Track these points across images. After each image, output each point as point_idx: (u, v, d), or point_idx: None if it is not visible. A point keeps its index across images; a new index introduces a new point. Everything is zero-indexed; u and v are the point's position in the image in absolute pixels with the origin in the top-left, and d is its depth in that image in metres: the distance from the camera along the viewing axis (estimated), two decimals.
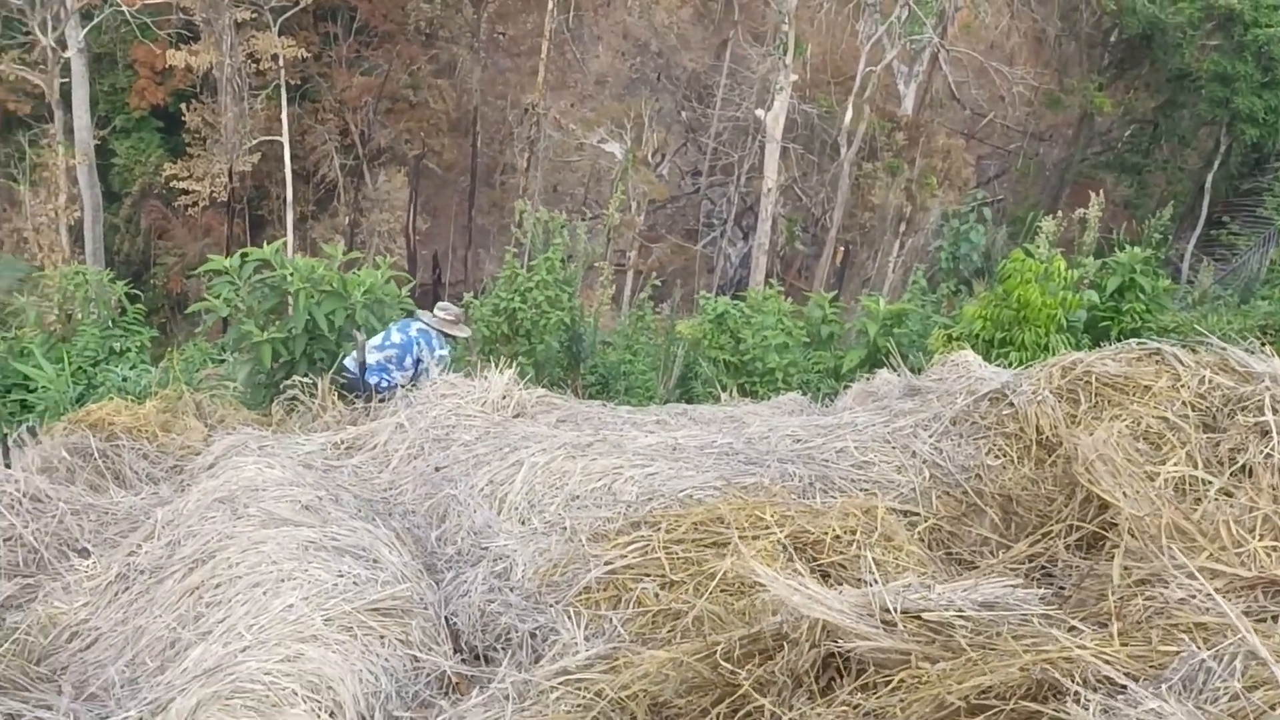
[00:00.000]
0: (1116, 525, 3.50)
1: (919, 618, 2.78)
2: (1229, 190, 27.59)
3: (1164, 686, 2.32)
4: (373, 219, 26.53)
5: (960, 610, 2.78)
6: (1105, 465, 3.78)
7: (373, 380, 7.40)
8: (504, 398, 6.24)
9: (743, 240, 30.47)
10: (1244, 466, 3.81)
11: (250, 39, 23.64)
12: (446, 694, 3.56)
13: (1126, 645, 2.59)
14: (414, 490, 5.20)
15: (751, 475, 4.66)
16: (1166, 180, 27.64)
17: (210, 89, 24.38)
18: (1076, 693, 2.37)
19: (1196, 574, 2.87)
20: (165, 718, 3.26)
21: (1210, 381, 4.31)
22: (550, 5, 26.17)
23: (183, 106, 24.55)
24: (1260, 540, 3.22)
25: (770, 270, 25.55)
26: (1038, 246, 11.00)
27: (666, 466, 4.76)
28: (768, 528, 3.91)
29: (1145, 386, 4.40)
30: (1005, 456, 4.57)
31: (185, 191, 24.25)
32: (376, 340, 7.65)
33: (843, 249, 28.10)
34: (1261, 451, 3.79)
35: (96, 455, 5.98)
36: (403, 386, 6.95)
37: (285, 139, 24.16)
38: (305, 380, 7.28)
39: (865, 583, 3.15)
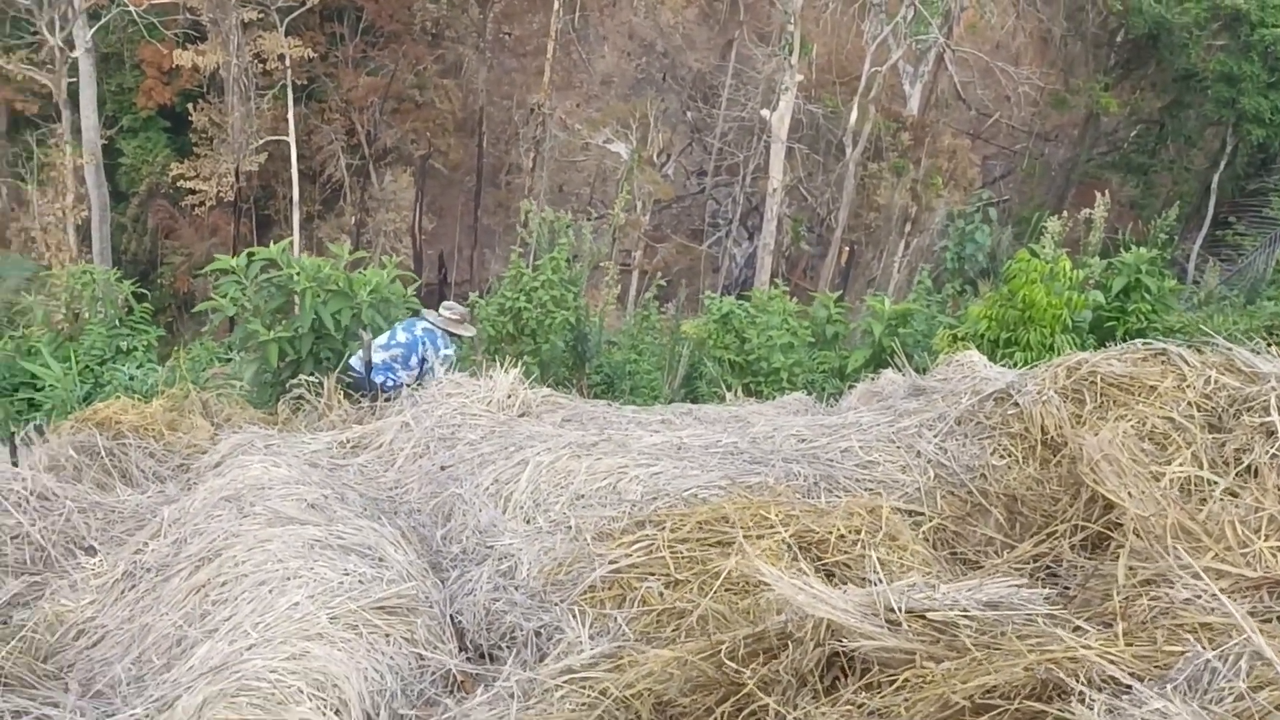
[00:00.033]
0: (1121, 525, 3.50)
1: (924, 617, 2.78)
2: (1235, 190, 27.50)
3: (1169, 686, 2.32)
4: (379, 219, 26.56)
5: (965, 610, 2.78)
6: (1110, 465, 3.78)
7: (378, 379, 7.41)
8: (509, 397, 6.25)
9: (748, 240, 30.45)
10: (1249, 467, 3.80)
11: (257, 39, 23.68)
12: (451, 692, 3.57)
13: (1131, 645, 2.58)
14: (419, 489, 5.21)
15: (756, 475, 4.66)
16: (1172, 180, 27.59)
17: (217, 89, 24.43)
18: (1081, 692, 2.37)
19: (1202, 574, 2.87)
20: (171, 715, 3.27)
21: (1216, 382, 4.31)
22: (556, 5, 26.18)
23: (189, 106, 24.61)
24: (1265, 541, 3.22)
25: (775, 270, 25.53)
26: (1043, 247, 10.99)
27: (671, 466, 4.77)
28: (772, 527, 3.91)
29: (1150, 387, 4.39)
30: (1010, 456, 4.57)
31: (192, 191, 24.31)
32: (382, 339, 7.66)
33: (848, 249, 28.08)
34: (1267, 452, 3.79)
35: (103, 454, 6.00)
36: (408, 386, 6.96)
37: (292, 139, 24.19)
38: (311, 379, 7.29)
39: (870, 582, 3.15)
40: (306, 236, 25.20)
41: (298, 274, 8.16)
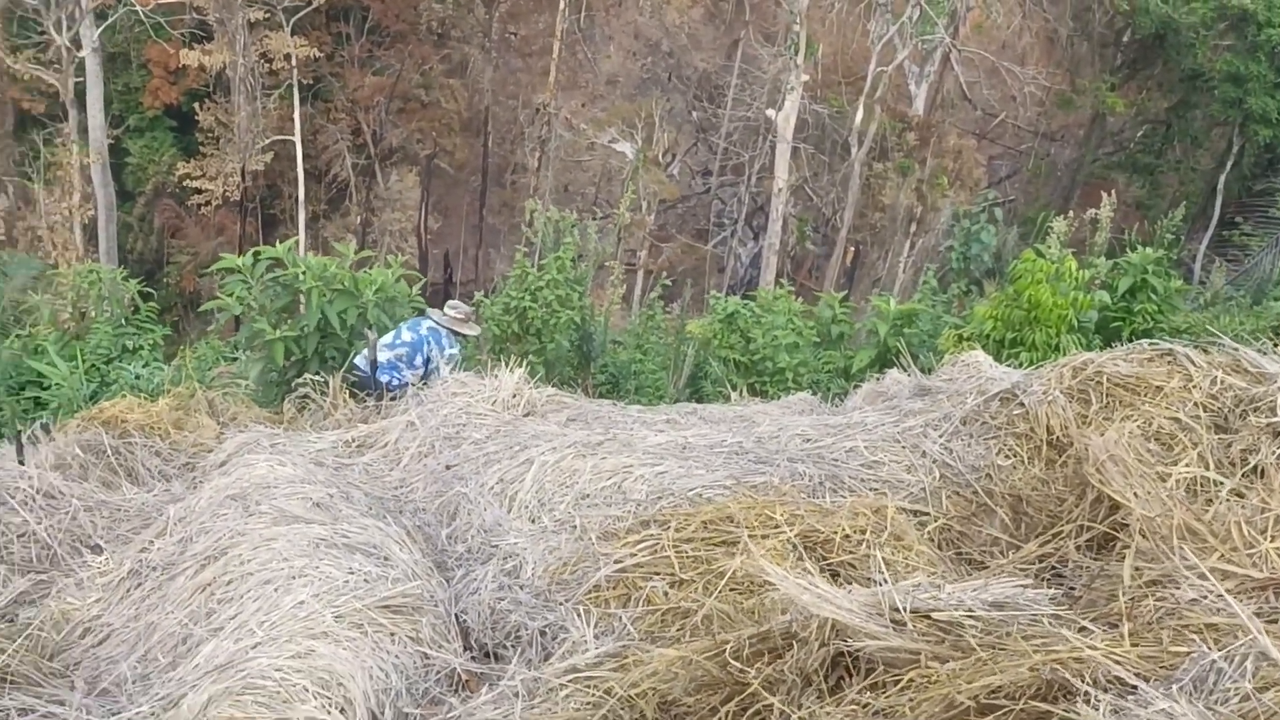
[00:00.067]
0: (1127, 526, 3.50)
1: (928, 617, 2.78)
2: (1241, 191, 27.44)
3: (1175, 687, 2.32)
4: (384, 218, 26.58)
5: (970, 610, 2.78)
6: (1116, 466, 3.78)
7: (384, 379, 7.42)
8: (514, 396, 6.26)
9: (753, 240, 30.44)
10: (1256, 467, 3.80)
11: (263, 39, 23.71)
12: (456, 691, 3.57)
13: (1137, 646, 2.58)
14: (424, 488, 5.22)
15: (761, 474, 4.66)
16: (1179, 181, 27.53)
17: (223, 88, 24.47)
18: (1087, 693, 2.37)
19: (1208, 575, 2.87)
20: (177, 713, 3.27)
21: (1222, 382, 4.30)
22: (562, 5, 26.19)
23: (196, 106, 24.64)
24: (1272, 541, 3.21)
25: (781, 270, 25.52)
26: (1049, 247, 10.97)
27: (676, 465, 4.77)
28: (777, 527, 3.91)
29: (1157, 387, 4.39)
30: (1015, 456, 4.56)
31: (198, 190, 24.34)
32: (387, 339, 7.67)
33: (853, 249, 28.06)
34: (1273, 452, 3.78)
35: (109, 452, 6.02)
36: (413, 385, 6.97)
37: (298, 138, 24.22)
38: (317, 378, 7.31)
39: (875, 582, 3.15)
40: (312, 236, 25.22)
41: (303, 273, 8.17)
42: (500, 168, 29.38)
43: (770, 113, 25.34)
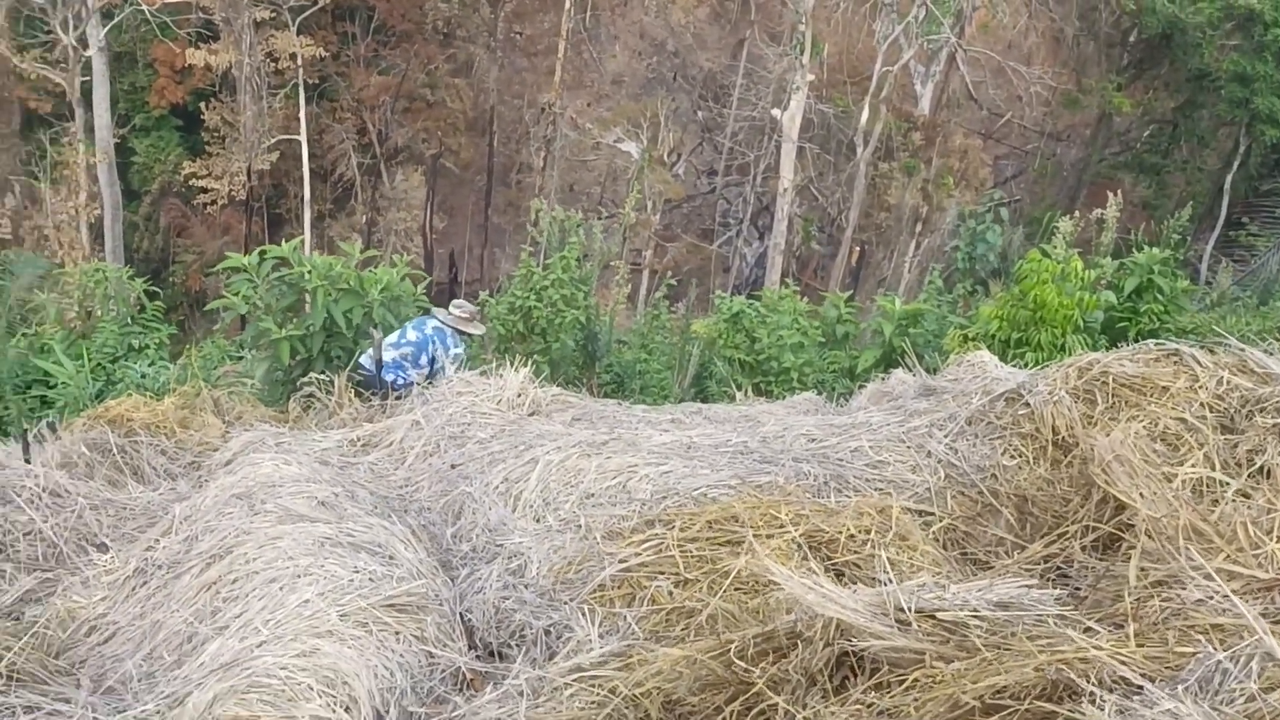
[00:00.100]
0: (1133, 526, 3.49)
1: (933, 617, 2.78)
2: (1248, 191, 27.41)
3: (1180, 688, 2.31)
4: (390, 218, 26.60)
5: (975, 610, 2.77)
6: (1122, 466, 3.77)
7: (389, 378, 7.42)
8: (519, 396, 6.26)
9: (758, 240, 30.43)
10: (1262, 468, 3.79)
11: (269, 38, 23.74)
12: (461, 690, 3.58)
13: (1143, 646, 2.58)
14: (430, 487, 5.22)
15: (766, 474, 4.66)
16: (1185, 181, 27.48)
17: (229, 88, 24.50)
18: (1092, 693, 2.36)
19: (1214, 575, 2.86)
20: (182, 711, 3.28)
21: (1228, 382, 4.29)
22: (567, 5, 26.20)
23: (202, 105, 24.68)
24: (1278, 542, 3.20)
25: (786, 270, 25.51)
26: (1055, 247, 10.96)
27: (681, 465, 4.77)
28: (782, 526, 3.91)
29: (1163, 387, 4.38)
30: (1021, 457, 4.56)
31: (204, 190, 24.38)
32: (392, 338, 7.68)
33: (858, 249, 28.04)
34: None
35: (115, 451, 6.03)
36: (418, 384, 6.98)
37: (303, 138, 24.25)
38: (322, 377, 7.32)
39: (880, 582, 3.15)
40: (318, 235, 25.25)
41: (309, 272, 8.18)
42: (505, 167, 29.40)
43: (775, 112, 25.33)
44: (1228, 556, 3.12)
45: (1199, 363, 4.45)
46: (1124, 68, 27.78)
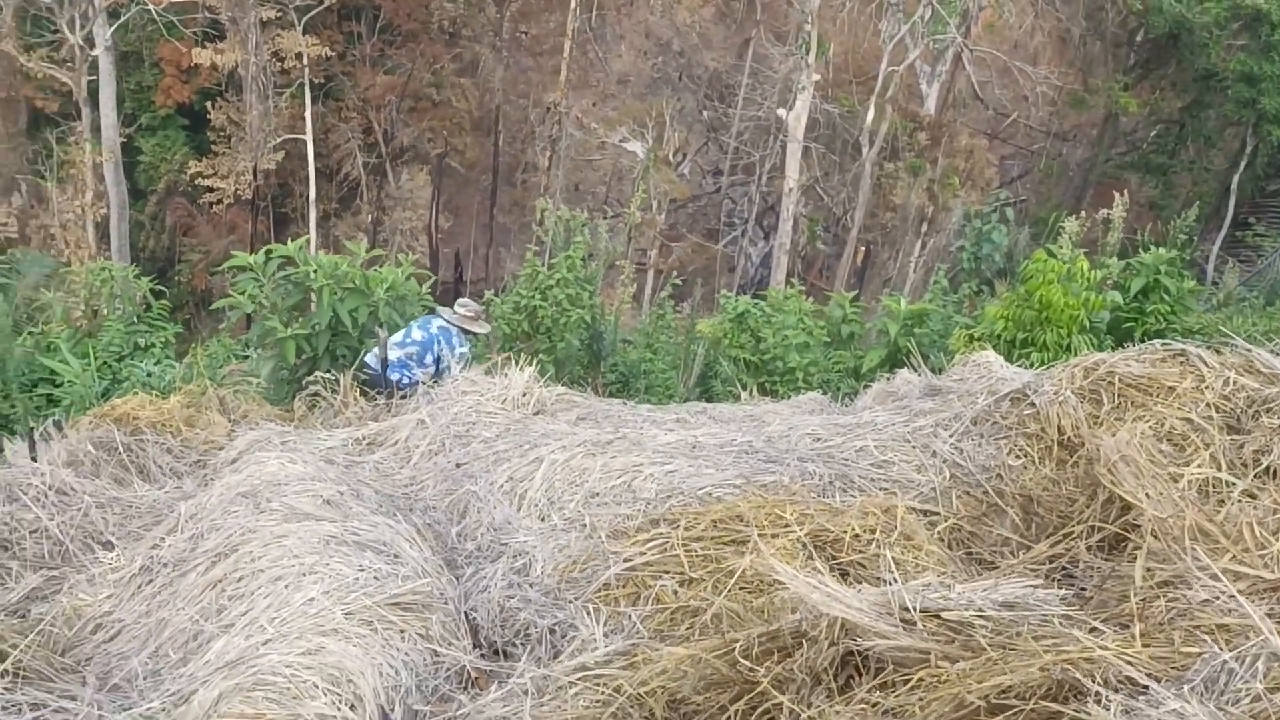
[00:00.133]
0: (1139, 527, 3.48)
1: (938, 617, 2.78)
2: (1255, 191, 27.33)
3: (1186, 688, 2.31)
4: (395, 217, 26.62)
5: (980, 610, 2.77)
6: (1128, 466, 3.76)
7: (394, 377, 7.43)
8: (524, 395, 6.26)
9: (764, 240, 30.40)
10: (1268, 468, 3.78)
11: (275, 37, 23.76)
12: (466, 688, 3.58)
13: (1148, 646, 2.57)
14: (435, 486, 5.22)
15: (771, 474, 4.66)
16: (1192, 181, 27.42)
17: (235, 87, 24.53)
18: (1098, 693, 2.36)
19: (1220, 575, 2.86)
20: (187, 709, 3.29)
21: (1235, 383, 4.28)
22: (573, 4, 26.20)
23: (208, 104, 24.71)
24: None
25: (791, 270, 25.48)
26: (1061, 247, 10.94)
27: (686, 464, 4.77)
28: (787, 526, 3.91)
29: (1169, 387, 4.37)
30: (1026, 457, 4.55)
31: (210, 189, 24.40)
32: (398, 337, 7.69)
33: (864, 249, 28.00)
34: None
35: (121, 449, 6.04)
36: (423, 383, 6.99)
37: (309, 137, 24.28)
38: (327, 376, 7.33)
39: (884, 581, 3.14)
40: (323, 234, 25.28)
41: (315, 271, 8.20)
42: (511, 167, 29.41)
43: (781, 112, 25.31)
44: (1234, 557, 3.11)
45: (1205, 363, 4.45)
46: (1130, 67, 27.72)
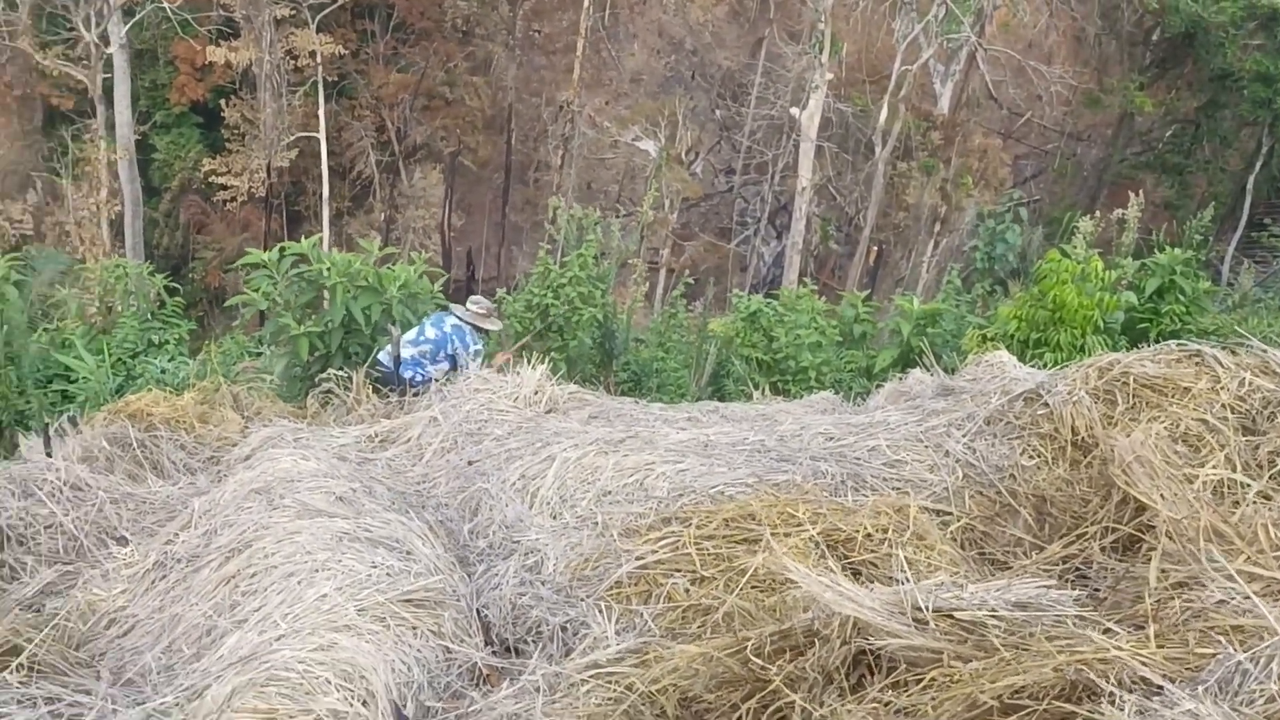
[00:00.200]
0: (1153, 527, 3.47)
1: (951, 616, 2.77)
2: (1271, 192, 27.19)
3: (1200, 688, 2.30)
4: (408, 215, 26.66)
5: (993, 610, 2.76)
6: (1143, 467, 3.75)
7: (407, 375, 7.45)
8: (536, 393, 6.27)
9: (776, 239, 30.36)
10: None
11: (289, 36, 23.82)
12: (477, 685, 3.59)
13: (1163, 647, 2.56)
14: (447, 483, 5.23)
15: (783, 473, 4.65)
16: (1207, 181, 27.29)
17: (249, 85, 24.60)
18: (1112, 694, 2.35)
19: (1235, 576, 2.84)
20: (201, 704, 3.30)
21: (1250, 384, 4.26)
22: (586, 3, 26.19)
23: (222, 102, 24.79)
24: None
25: (804, 269, 25.45)
26: (1075, 247, 10.90)
27: (698, 463, 4.77)
28: (799, 525, 3.90)
29: (1184, 388, 4.35)
30: (1040, 457, 4.54)
31: (224, 187, 24.49)
32: (411, 335, 7.70)
33: (876, 248, 27.93)
34: None
35: (135, 445, 6.06)
36: (436, 381, 7.00)
37: (322, 135, 24.33)
38: (340, 374, 7.35)
39: (897, 581, 3.14)
40: (336, 232, 25.33)
41: (328, 269, 8.21)
42: (523, 165, 29.43)
43: (794, 111, 25.27)
44: (1248, 558, 3.09)
45: (1221, 364, 4.42)
46: (1146, 67, 27.59)
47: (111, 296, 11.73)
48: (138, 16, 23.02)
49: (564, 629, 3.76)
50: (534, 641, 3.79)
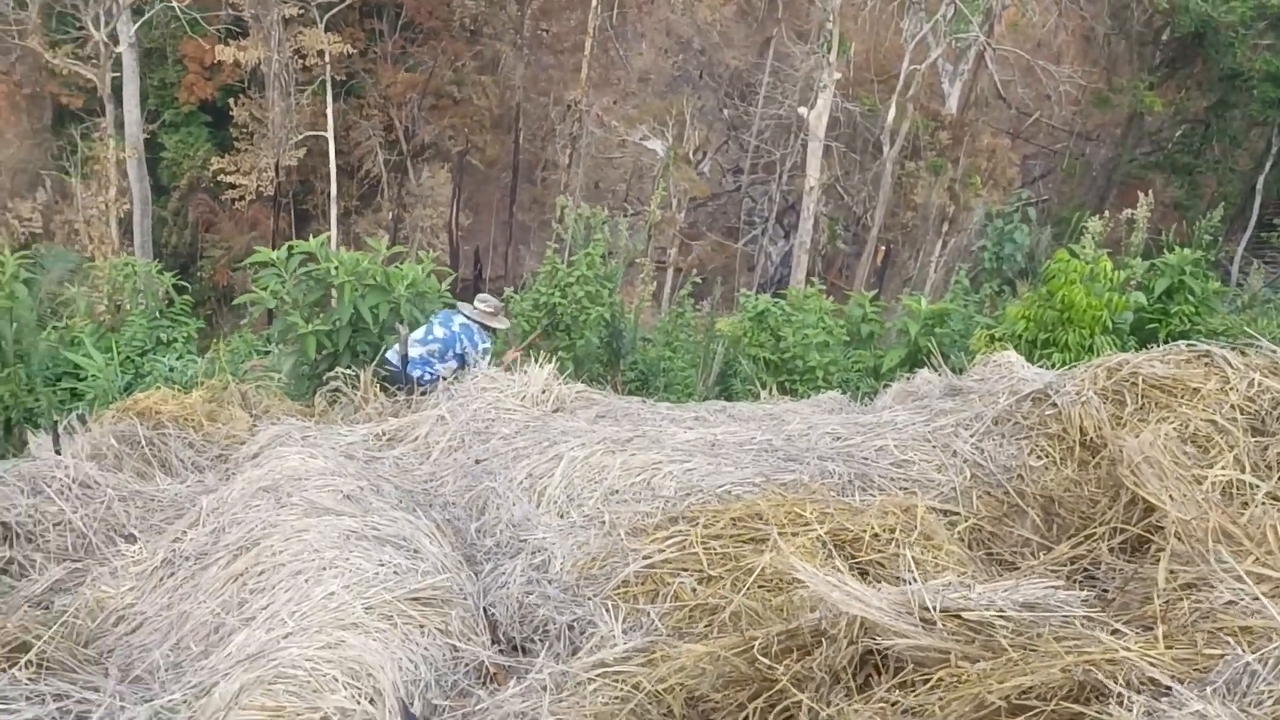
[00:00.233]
0: (1162, 528, 3.46)
1: (958, 617, 2.76)
2: None
3: (1208, 689, 2.29)
4: (416, 214, 26.70)
5: (1001, 610, 2.76)
6: (1151, 468, 3.74)
7: (415, 373, 7.45)
8: (543, 392, 6.27)
9: (784, 239, 30.33)
10: None
11: (297, 34, 23.87)
12: (484, 684, 3.59)
13: (1171, 648, 2.55)
14: (454, 482, 5.24)
15: (790, 472, 4.65)
16: (1217, 181, 27.20)
17: (258, 84, 24.66)
18: (1120, 694, 2.35)
19: (1243, 577, 2.84)
20: (208, 701, 3.31)
21: (1259, 384, 4.25)
22: (594, 2, 26.20)
23: (230, 101, 24.85)
24: None
25: (811, 269, 25.41)
26: (1083, 247, 10.87)
27: (705, 462, 4.76)
28: (807, 524, 3.90)
29: (1193, 389, 4.34)
30: (1048, 457, 4.53)
31: (232, 185, 24.55)
32: (419, 334, 7.70)
33: (884, 248, 27.90)
34: None
35: (144, 443, 6.08)
36: (445, 379, 7.01)
37: (330, 134, 24.38)
38: (348, 372, 7.35)
39: (904, 581, 3.13)
40: (344, 231, 25.36)
41: (336, 268, 8.22)
42: (531, 164, 29.45)
43: (802, 110, 25.23)
44: (1257, 559, 3.08)
45: (1230, 364, 4.41)
46: (1155, 66, 27.50)
47: (120, 295, 11.77)
48: (147, 15, 23.08)
49: (571, 628, 3.76)
50: (541, 640, 3.80)
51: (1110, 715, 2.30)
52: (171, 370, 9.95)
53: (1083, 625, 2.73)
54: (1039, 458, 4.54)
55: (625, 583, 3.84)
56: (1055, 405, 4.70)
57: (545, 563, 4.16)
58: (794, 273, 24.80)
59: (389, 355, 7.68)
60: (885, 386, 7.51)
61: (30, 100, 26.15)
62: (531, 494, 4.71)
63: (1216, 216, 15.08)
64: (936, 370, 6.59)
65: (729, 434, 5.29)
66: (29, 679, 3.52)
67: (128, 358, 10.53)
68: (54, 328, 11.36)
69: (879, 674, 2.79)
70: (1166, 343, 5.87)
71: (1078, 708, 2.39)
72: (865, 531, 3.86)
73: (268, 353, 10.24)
